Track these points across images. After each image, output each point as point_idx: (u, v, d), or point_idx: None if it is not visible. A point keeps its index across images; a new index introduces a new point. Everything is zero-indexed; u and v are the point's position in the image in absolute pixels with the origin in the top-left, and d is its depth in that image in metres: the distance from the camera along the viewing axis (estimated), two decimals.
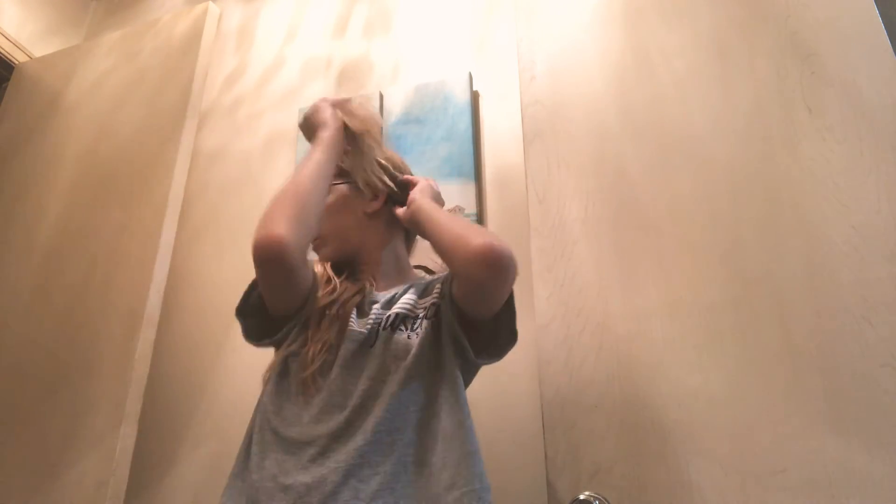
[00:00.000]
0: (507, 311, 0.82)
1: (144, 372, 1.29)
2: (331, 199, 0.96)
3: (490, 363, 0.87)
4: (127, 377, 1.26)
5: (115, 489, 1.18)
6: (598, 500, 0.90)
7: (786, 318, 0.92)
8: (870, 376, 0.85)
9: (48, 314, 1.46)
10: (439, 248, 0.83)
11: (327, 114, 0.95)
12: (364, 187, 0.97)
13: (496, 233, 0.91)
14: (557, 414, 0.98)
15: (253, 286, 0.89)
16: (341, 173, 0.98)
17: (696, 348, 0.95)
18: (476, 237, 0.76)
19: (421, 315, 0.87)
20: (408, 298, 0.89)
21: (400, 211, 0.97)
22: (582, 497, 0.91)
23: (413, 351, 0.82)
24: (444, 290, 0.87)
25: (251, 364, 1.39)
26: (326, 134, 0.92)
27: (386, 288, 0.93)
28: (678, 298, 0.99)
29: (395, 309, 0.87)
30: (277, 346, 0.89)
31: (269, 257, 0.77)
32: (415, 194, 0.95)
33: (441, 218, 0.87)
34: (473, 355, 0.83)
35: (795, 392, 0.88)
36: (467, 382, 0.87)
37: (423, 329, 0.85)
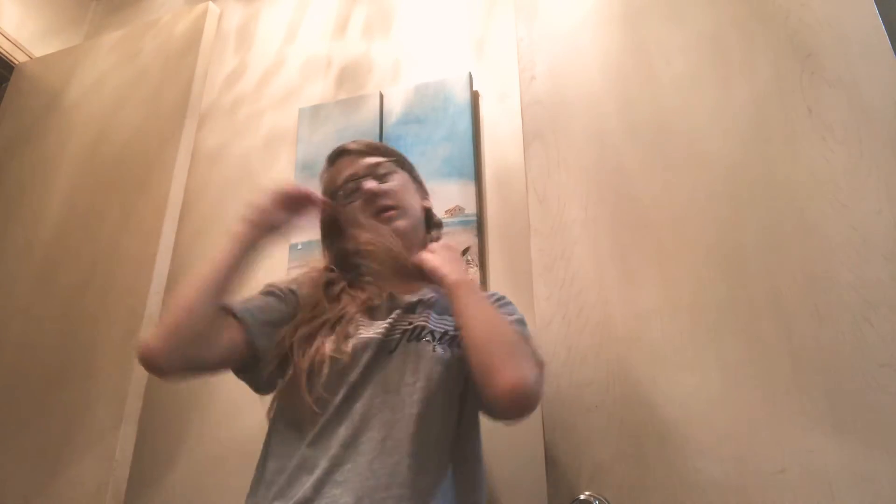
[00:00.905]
0: None
1: (144, 372, 1.29)
2: (402, 178, 0.99)
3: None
4: (127, 377, 1.26)
5: (115, 489, 1.18)
6: (598, 500, 0.90)
7: (786, 318, 0.92)
8: (870, 376, 0.85)
9: (48, 314, 1.46)
10: (468, 354, 0.78)
11: (253, 208, 0.89)
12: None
13: (533, 348, 0.82)
14: (557, 414, 0.98)
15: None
16: (399, 164, 1.02)
17: (696, 348, 0.95)
18: (508, 371, 0.73)
19: (452, 333, 0.87)
20: (428, 313, 0.89)
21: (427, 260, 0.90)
22: (582, 497, 0.91)
23: (445, 363, 0.83)
24: None
25: None
26: (238, 228, 0.87)
27: (406, 290, 0.93)
28: (678, 298, 0.99)
29: (421, 320, 0.87)
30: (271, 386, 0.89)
31: (148, 368, 0.77)
32: (445, 269, 0.86)
33: (473, 321, 0.80)
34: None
35: (795, 392, 0.88)
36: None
37: (452, 349, 0.85)
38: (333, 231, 0.99)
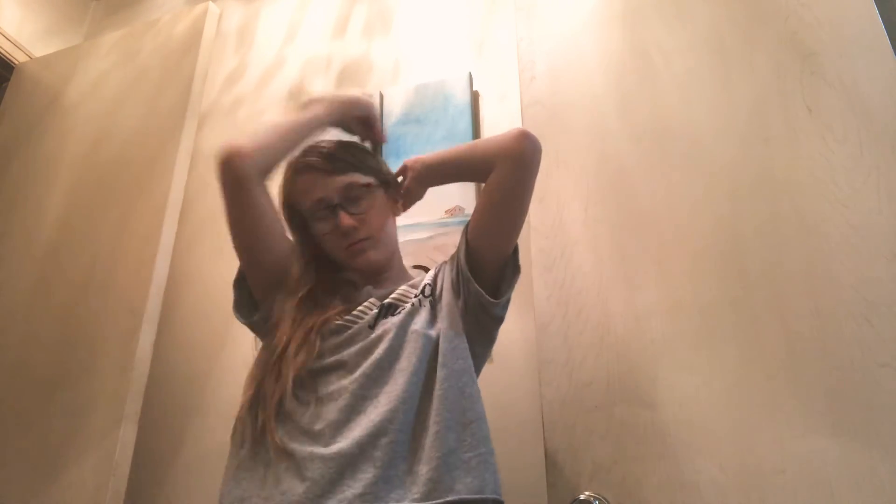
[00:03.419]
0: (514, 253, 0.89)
1: (144, 372, 1.29)
2: (377, 203, 0.95)
3: (504, 299, 0.88)
4: (127, 377, 1.26)
5: (115, 489, 1.18)
6: (598, 500, 0.90)
7: (786, 318, 0.92)
8: (870, 376, 0.85)
9: (48, 314, 1.46)
10: (476, 167, 0.91)
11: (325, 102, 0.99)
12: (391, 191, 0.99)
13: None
14: (557, 414, 0.98)
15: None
16: (373, 175, 0.96)
17: (696, 348, 0.95)
18: (504, 135, 0.87)
19: (413, 295, 0.89)
20: (403, 288, 0.91)
21: (409, 184, 0.97)
22: (582, 497, 0.91)
23: (422, 324, 0.84)
24: (451, 263, 0.92)
25: (250, 364, 1.39)
26: (320, 110, 0.97)
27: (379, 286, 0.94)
28: (678, 298, 0.99)
29: (392, 298, 0.89)
30: (261, 327, 0.90)
31: (227, 166, 0.84)
32: (407, 163, 0.98)
33: (454, 151, 0.94)
34: (488, 296, 0.85)
35: (795, 392, 0.88)
36: (485, 350, 0.91)
37: (419, 301, 0.88)
38: (306, 237, 0.96)
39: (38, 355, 1.41)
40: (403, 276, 0.97)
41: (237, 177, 0.85)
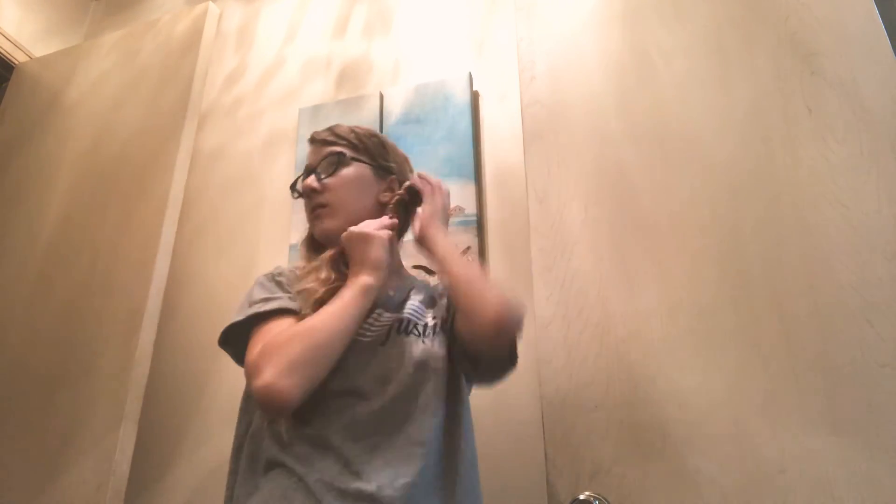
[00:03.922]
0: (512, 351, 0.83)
1: (144, 372, 1.29)
2: (350, 171, 0.93)
3: (484, 384, 0.91)
4: (127, 377, 1.26)
5: (115, 489, 1.18)
6: (598, 500, 0.90)
7: (785, 319, 0.92)
8: (870, 376, 0.85)
9: (48, 314, 1.46)
10: (453, 298, 0.85)
11: (381, 254, 0.84)
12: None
13: (505, 290, 0.84)
14: (557, 414, 0.98)
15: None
16: (362, 152, 0.96)
17: (696, 348, 0.95)
18: (490, 306, 0.78)
19: (430, 323, 0.87)
20: (414, 304, 0.89)
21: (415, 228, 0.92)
22: (582, 497, 0.91)
23: (441, 357, 0.84)
24: (451, 309, 0.89)
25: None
26: (370, 281, 0.82)
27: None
28: (678, 299, 0.99)
29: (406, 313, 0.87)
30: None
31: (273, 409, 0.74)
32: (425, 220, 0.90)
33: (454, 267, 0.84)
34: (471, 374, 0.86)
35: (795, 392, 0.88)
36: None
37: (440, 340, 0.86)
38: None
39: (39, 355, 1.41)
40: (400, 274, 0.97)
41: (290, 409, 0.73)
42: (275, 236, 1.56)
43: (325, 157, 0.95)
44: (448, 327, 0.88)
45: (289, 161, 1.65)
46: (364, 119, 1.57)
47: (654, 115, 1.13)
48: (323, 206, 0.92)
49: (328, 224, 0.91)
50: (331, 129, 0.99)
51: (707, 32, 1.14)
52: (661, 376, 0.95)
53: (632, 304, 1.01)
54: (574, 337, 1.02)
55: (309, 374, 0.73)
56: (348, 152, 0.95)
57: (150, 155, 1.53)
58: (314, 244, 0.96)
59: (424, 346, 0.84)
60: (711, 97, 1.10)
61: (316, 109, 1.66)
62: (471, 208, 1.38)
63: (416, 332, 0.85)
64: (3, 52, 1.93)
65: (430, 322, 0.88)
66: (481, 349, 0.82)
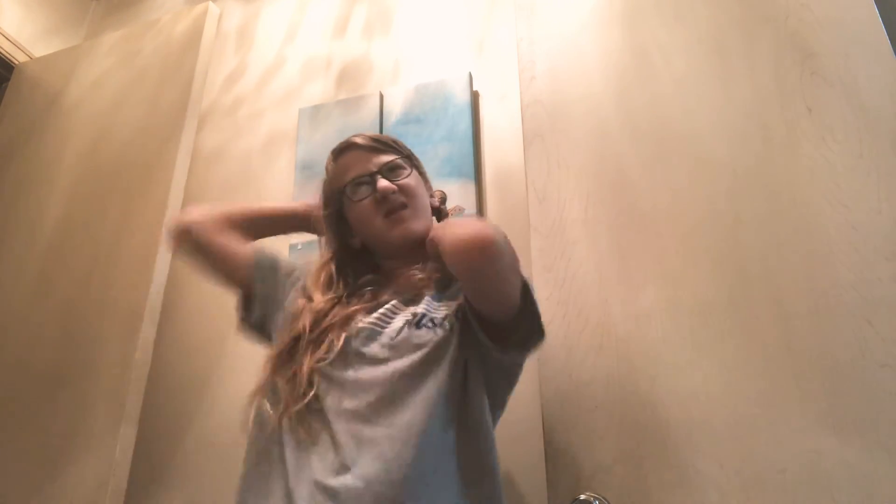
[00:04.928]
0: (526, 306, 0.79)
1: (144, 372, 1.29)
2: (412, 180, 0.95)
3: (514, 357, 0.85)
4: (127, 377, 1.26)
5: (115, 489, 1.18)
6: (598, 500, 0.90)
7: (786, 318, 0.92)
8: (870, 376, 0.85)
9: (48, 314, 1.46)
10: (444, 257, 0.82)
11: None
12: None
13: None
14: (557, 414, 0.98)
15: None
16: (412, 158, 1.00)
17: (696, 348, 0.95)
18: (467, 229, 0.77)
19: (444, 312, 0.84)
20: (428, 300, 0.87)
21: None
22: (582, 497, 0.91)
23: (441, 339, 0.81)
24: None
25: (251, 364, 1.38)
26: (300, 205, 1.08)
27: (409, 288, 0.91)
28: (678, 298, 0.99)
29: (422, 307, 0.85)
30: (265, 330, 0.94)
31: (176, 228, 0.97)
32: (436, 227, 0.91)
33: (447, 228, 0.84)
34: (490, 344, 0.79)
35: (795, 392, 0.88)
36: (503, 391, 0.89)
37: (450, 324, 0.83)
38: (339, 228, 0.96)
39: (39, 355, 1.41)
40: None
41: (185, 241, 0.97)
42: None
43: (388, 163, 0.94)
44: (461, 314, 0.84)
45: (289, 161, 1.65)
46: (364, 119, 1.57)
47: (655, 114, 1.13)
48: (405, 206, 0.91)
49: (415, 226, 0.91)
50: (373, 138, 0.98)
51: (707, 32, 1.14)
52: (661, 376, 0.95)
53: (632, 304, 1.01)
54: (574, 337, 1.02)
55: (215, 221, 0.99)
56: (402, 159, 0.97)
57: (150, 155, 1.53)
58: (352, 256, 0.96)
59: (432, 335, 0.82)
60: (711, 97, 1.10)
61: (316, 109, 1.66)
62: (471, 208, 1.38)
63: (430, 325, 0.83)
64: (3, 52, 1.93)
65: (444, 310, 0.85)
66: (461, 276, 0.80)
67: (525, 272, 0.82)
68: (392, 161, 0.95)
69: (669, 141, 1.10)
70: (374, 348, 0.82)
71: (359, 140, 0.96)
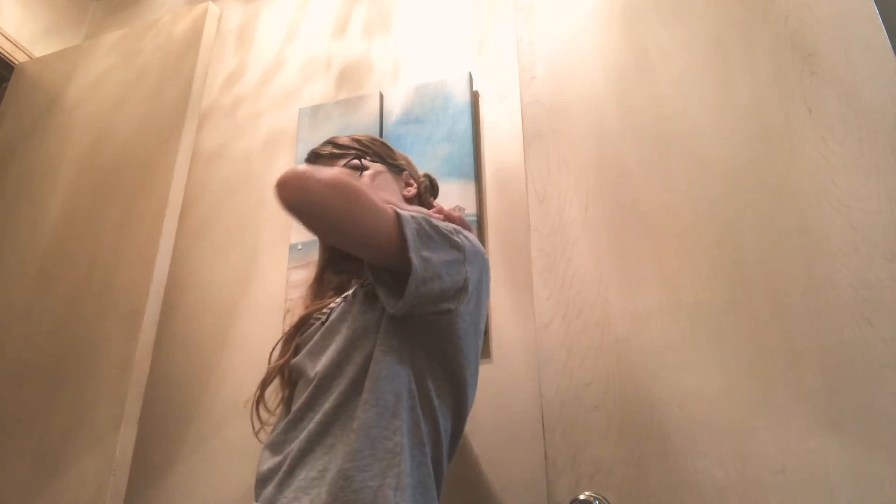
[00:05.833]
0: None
1: (144, 372, 1.29)
2: (370, 173, 0.97)
3: (404, 305, 0.79)
4: (127, 377, 1.26)
5: (115, 489, 1.18)
6: (598, 500, 0.90)
7: (786, 318, 0.92)
8: (870, 376, 0.85)
9: (48, 314, 1.46)
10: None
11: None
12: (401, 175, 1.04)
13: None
14: (557, 414, 0.98)
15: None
16: (373, 155, 1.02)
17: (696, 348, 0.95)
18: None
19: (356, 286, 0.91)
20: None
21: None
22: (582, 497, 0.91)
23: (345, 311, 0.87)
24: None
25: (251, 364, 1.39)
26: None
27: None
28: (678, 298, 0.99)
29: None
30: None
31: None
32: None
33: None
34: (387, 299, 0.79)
35: (795, 392, 0.88)
36: (447, 343, 0.86)
37: (353, 294, 0.89)
38: None
39: (39, 355, 1.41)
40: None
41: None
42: (274, 236, 1.56)
43: (343, 166, 0.99)
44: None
45: (289, 161, 1.65)
46: (364, 119, 1.57)
47: (655, 114, 1.13)
48: None
49: None
50: (332, 143, 1.04)
51: (707, 32, 1.14)
52: (661, 376, 0.95)
53: (632, 304, 1.01)
54: (574, 337, 1.02)
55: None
56: (365, 161, 1.01)
57: (150, 155, 1.52)
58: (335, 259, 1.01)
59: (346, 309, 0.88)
60: (711, 97, 1.10)
61: (316, 109, 1.66)
62: (471, 208, 1.38)
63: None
64: (3, 52, 1.93)
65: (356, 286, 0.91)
66: (302, 223, 0.80)
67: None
68: (349, 163, 1.00)
69: (669, 141, 1.10)
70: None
71: (320, 150, 1.03)
